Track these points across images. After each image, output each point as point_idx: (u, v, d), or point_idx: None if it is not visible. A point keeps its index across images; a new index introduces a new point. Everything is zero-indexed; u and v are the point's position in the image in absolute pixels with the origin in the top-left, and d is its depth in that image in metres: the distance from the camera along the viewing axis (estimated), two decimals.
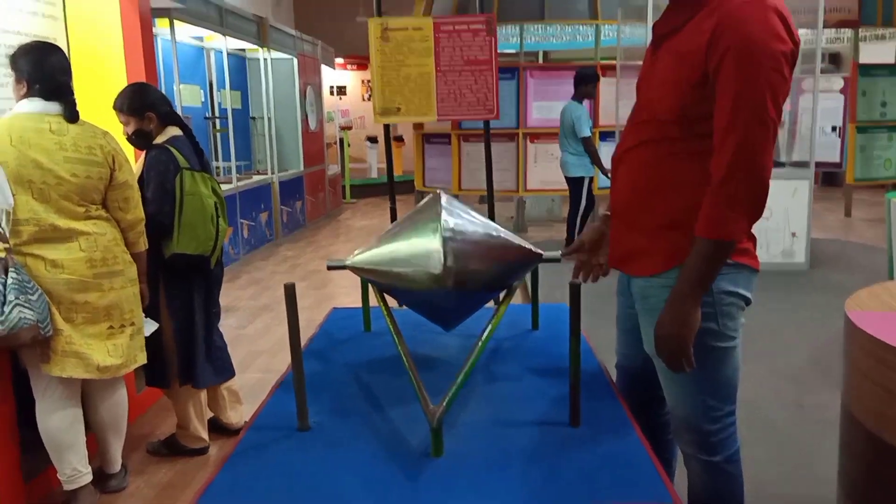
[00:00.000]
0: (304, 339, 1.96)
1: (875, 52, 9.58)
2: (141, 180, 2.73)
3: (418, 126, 8.80)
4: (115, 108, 2.82)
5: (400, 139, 13.29)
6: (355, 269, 1.68)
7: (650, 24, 6.03)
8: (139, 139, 2.84)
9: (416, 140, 8.80)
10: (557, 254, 1.73)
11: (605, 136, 8.11)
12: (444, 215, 1.53)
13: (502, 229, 1.66)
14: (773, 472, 2.70)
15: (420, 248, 1.51)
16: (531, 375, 1.75)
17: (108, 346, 2.48)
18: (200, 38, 7.61)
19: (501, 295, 1.78)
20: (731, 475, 1.67)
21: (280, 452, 1.40)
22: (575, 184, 6.50)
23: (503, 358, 1.87)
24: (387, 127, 2.63)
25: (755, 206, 1.44)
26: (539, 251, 1.69)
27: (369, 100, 15.44)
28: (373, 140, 13.18)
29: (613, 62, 7.86)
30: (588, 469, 1.31)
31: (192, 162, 2.81)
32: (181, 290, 2.89)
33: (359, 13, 13.94)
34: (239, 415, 3.23)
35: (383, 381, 1.74)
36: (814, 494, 2.53)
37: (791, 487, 2.61)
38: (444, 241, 1.48)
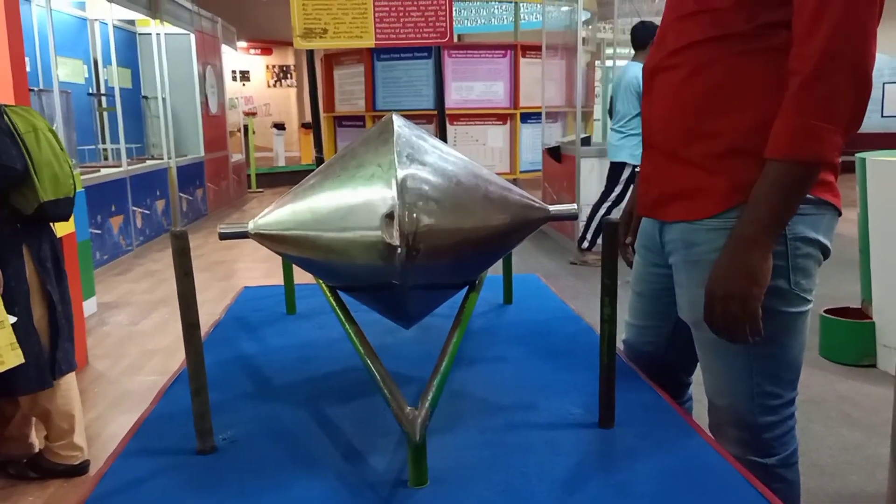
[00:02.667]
0: (206, 329, 1.45)
1: None
2: None
3: (329, 108, 8.33)
4: None
5: (309, 126, 12.63)
6: (262, 238, 1.09)
7: (580, 3, 5.70)
8: None
9: (327, 123, 8.33)
10: (573, 207, 1.18)
11: (527, 117, 7.86)
12: (399, 145, 0.99)
13: (491, 173, 1.11)
14: None
15: (361, 199, 0.95)
16: (524, 362, 1.31)
17: None
18: (83, 6, 6.80)
19: None
20: (789, 482, 1.27)
21: (169, 489, 0.89)
22: (613, 170, 5.10)
23: (480, 342, 1.41)
24: (310, 55, 2.13)
25: (856, 112, 1.04)
26: (545, 206, 1.14)
27: (275, 86, 14.65)
28: (280, 127, 12.46)
29: (535, 42, 7.56)
30: (649, 488, 0.87)
31: None
32: (51, 252, 2.39)
33: None
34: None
35: (324, 379, 1.25)
36: (816, 486, 2.21)
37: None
38: (402, 186, 0.92)
